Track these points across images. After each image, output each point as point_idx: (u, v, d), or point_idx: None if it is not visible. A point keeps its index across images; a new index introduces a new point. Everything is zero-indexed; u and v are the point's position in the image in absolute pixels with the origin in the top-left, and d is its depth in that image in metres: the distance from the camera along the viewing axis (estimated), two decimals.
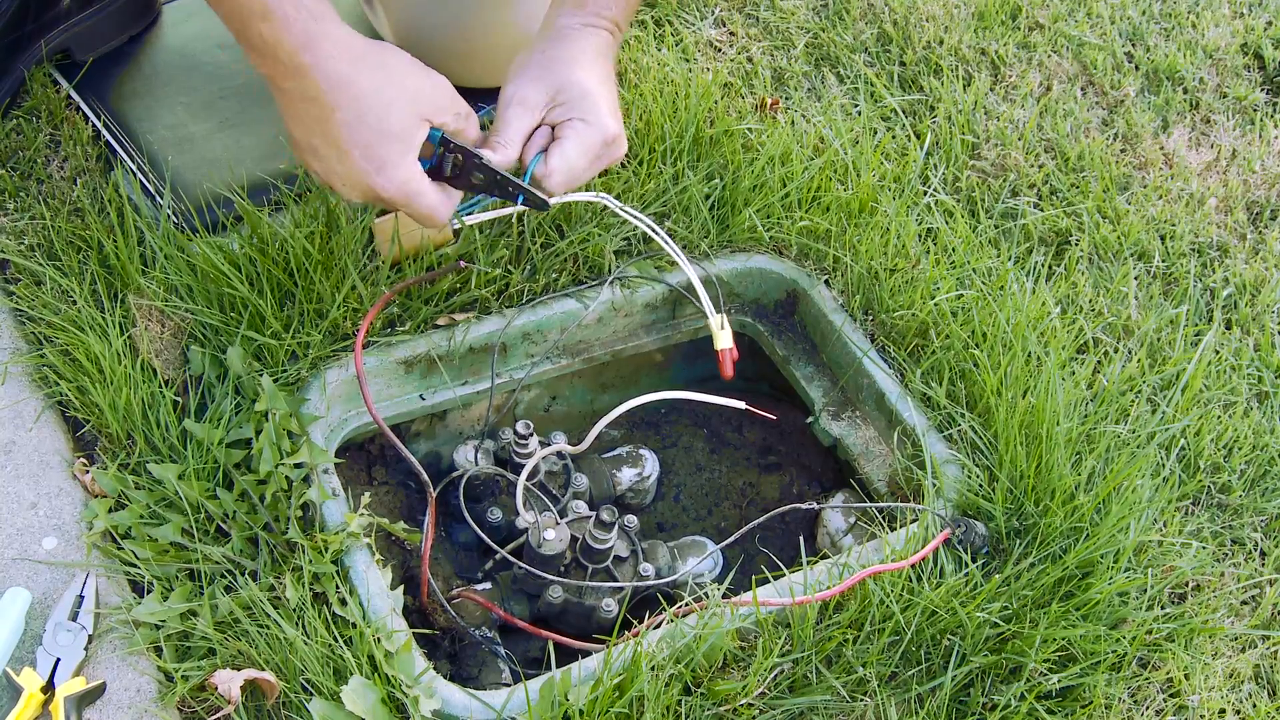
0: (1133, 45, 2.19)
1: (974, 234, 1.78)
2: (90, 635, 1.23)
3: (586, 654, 1.30)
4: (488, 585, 1.45)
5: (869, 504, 1.51)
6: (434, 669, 1.24)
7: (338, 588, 1.27)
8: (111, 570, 1.29)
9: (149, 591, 1.28)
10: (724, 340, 1.56)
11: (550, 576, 1.42)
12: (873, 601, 1.33)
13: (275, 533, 1.32)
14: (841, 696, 1.29)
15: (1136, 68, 2.15)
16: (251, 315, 1.44)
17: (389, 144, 1.23)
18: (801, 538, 1.49)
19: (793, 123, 1.87)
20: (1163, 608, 1.43)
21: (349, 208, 1.50)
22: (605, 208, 1.58)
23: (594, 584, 1.44)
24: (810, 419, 1.63)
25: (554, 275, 1.58)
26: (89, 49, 1.70)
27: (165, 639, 1.25)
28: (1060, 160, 1.95)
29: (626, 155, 1.54)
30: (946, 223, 1.78)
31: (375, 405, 1.44)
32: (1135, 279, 1.79)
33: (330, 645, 1.23)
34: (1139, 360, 1.66)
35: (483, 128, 1.38)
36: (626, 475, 1.64)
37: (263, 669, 1.22)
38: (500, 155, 1.34)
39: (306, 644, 1.23)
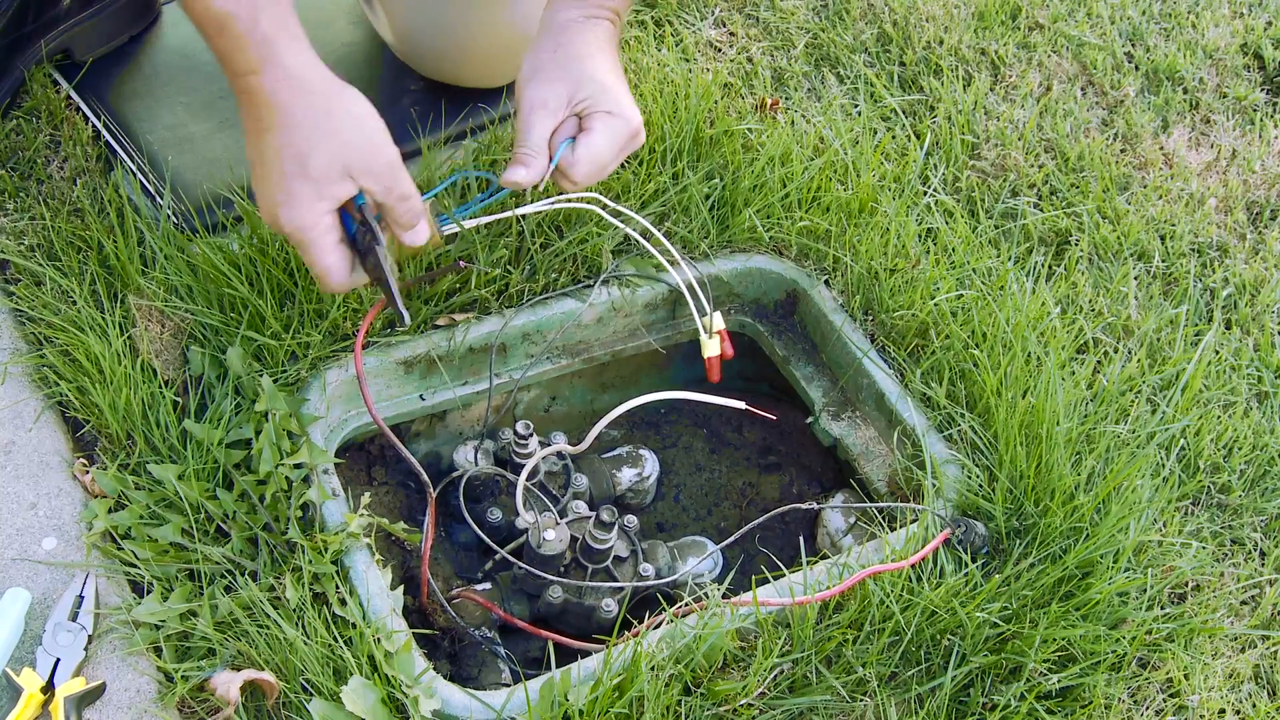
0: (1132, 45, 2.19)
1: (974, 234, 1.78)
2: (90, 635, 1.23)
3: (586, 654, 1.30)
4: (487, 585, 1.45)
5: (869, 504, 1.51)
6: (434, 669, 1.24)
7: (338, 588, 1.27)
8: (111, 570, 1.29)
9: (149, 592, 1.28)
10: (711, 349, 1.57)
11: (550, 577, 1.42)
12: (872, 602, 1.33)
13: (275, 533, 1.32)
14: (841, 696, 1.29)
15: (1136, 68, 2.15)
16: (251, 315, 1.44)
17: (303, 183, 1.19)
18: (801, 538, 1.49)
19: (793, 123, 1.87)
20: (1162, 608, 1.43)
21: None
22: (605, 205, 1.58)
23: (594, 584, 1.44)
24: (810, 419, 1.63)
25: (554, 275, 1.58)
26: (89, 49, 1.70)
27: (165, 639, 1.25)
28: (1060, 160, 1.95)
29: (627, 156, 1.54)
30: (946, 223, 1.78)
31: (375, 405, 1.44)
32: (1135, 279, 1.79)
33: (330, 645, 1.23)
34: (1139, 360, 1.66)
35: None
36: (626, 475, 1.64)
37: (262, 669, 1.22)
38: (529, 171, 1.32)
39: (306, 644, 1.23)
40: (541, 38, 1.39)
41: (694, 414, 1.82)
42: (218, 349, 1.44)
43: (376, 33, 1.78)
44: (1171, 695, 1.39)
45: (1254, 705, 1.41)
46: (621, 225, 1.57)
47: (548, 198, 1.56)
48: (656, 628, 1.29)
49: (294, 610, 1.26)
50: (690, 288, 1.59)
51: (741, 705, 1.27)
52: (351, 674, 1.21)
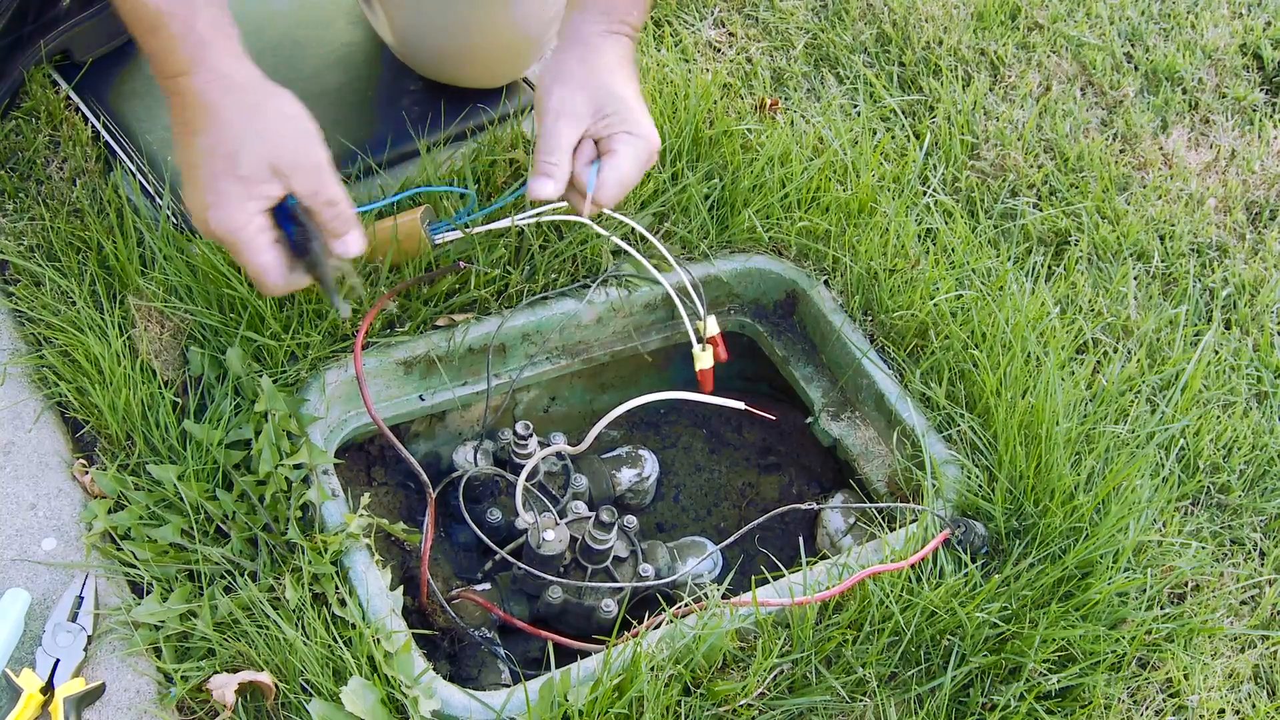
0: (1132, 45, 2.19)
1: (973, 234, 1.78)
2: (89, 636, 1.23)
3: (586, 654, 1.29)
4: (487, 586, 1.45)
5: (868, 504, 1.51)
6: (433, 669, 1.24)
7: (337, 588, 1.27)
8: (111, 571, 1.29)
9: (148, 592, 1.28)
10: (703, 361, 1.57)
11: (550, 577, 1.42)
12: (872, 602, 1.33)
13: (275, 533, 1.32)
14: (841, 697, 1.29)
15: (1136, 68, 2.15)
16: (251, 316, 1.44)
17: (232, 183, 1.18)
18: (801, 538, 1.49)
19: (792, 123, 1.87)
20: (1162, 608, 1.43)
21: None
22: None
23: (593, 584, 1.44)
24: (810, 419, 1.63)
25: (553, 275, 1.58)
26: (88, 50, 1.70)
27: (164, 640, 1.25)
28: (1059, 160, 1.95)
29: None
30: (946, 223, 1.78)
31: (374, 406, 1.44)
32: (1134, 279, 1.79)
33: (330, 646, 1.23)
34: (1138, 360, 1.66)
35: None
36: (626, 476, 1.64)
37: (262, 670, 1.22)
38: (555, 184, 1.31)
39: (306, 645, 1.23)
40: (566, 47, 1.37)
41: (693, 414, 1.82)
42: (217, 349, 1.44)
43: (376, 33, 1.78)
44: (1171, 695, 1.39)
45: (1253, 705, 1.41)
46: (613, 235, 1.57)
47: (541, 207, 1.57)
48: (656, 628, 1.29)
49: (293, 611, 1.26)
50: (683, 293, 1.58)
51: (741, 705, 1.27)
52: (351, 674, 1.21)
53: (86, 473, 1.36)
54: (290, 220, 1.22)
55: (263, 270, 1.22)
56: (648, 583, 1.46)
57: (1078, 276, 1.77)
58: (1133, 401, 1.61)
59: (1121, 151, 2.00)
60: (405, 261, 1.51)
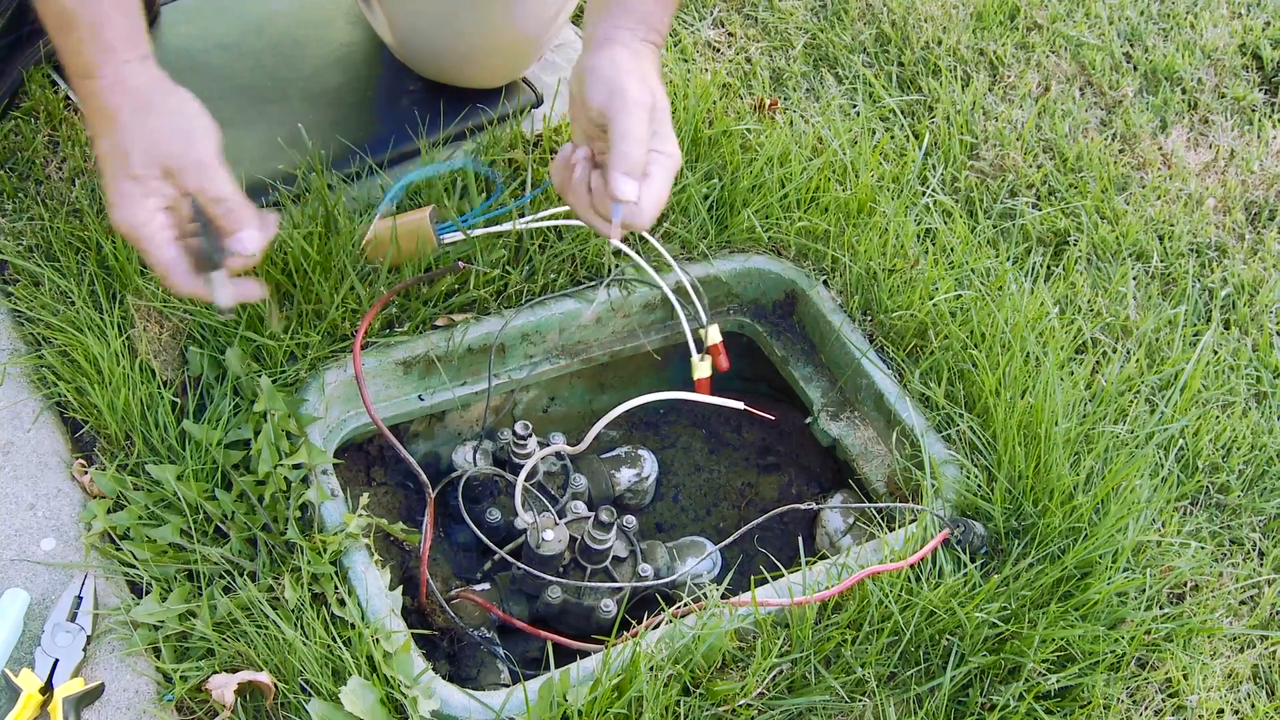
0: (1131, 45, 2.20)
1: (972, 234, 1.78)
2: (89, 636, 1.23)
3: (585, 654, 1.30)
4: (486, 586, 1.45)
5: (868, 504, 1.51)
6: (433, 669, 1.24)
7: (336, 588, 1.27)
8: (110, 571, 1.29)
9: (147, 592, 1.28)
10: (701, 371, 1.57)
11: (549, 577, 1.42)
12: (871, 602, 1.33)
13: (274, 533, 1.32)
14: (840, 697, 1.29)
15: (1135, 68, 2.15)
16: (250, 316, 1.44)
17: (129, 182, 1.20)
18: (800, 538, 1.49)
19: (791, 123, 1.87)
20: (1161, 608, 1.43)
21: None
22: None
23: (593, 584, 1.44)
24: (809, 419, 1.63)
25: (552, 276, 1.58)
26: None
27: (164, 640, 1.25)
28: (1059, 160, 1.95)
29: None
30: (945, 223, 1.78)
31: (374, 406, 1.44)
32: (1134, 279, 1.79)
33: (329, 646, 1.23)
34: (1137, 360, 1.66)
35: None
36: (625, 476, 1.64)
37: (261, 670, 1.22)
38: (636, 182, 1.25)
39: (305, 644, 1.23)
40: (608, 47, 1.33)
41: (693, 414, 1.82)
42: (216, 349, 1.44)
43: (375, 33, 1.78)
44: (1170, 695, 1.39)
45: (1253, 705, 1.41)
46: (616, 244, 1.57)
47: (547, 206, 1.57)
48: (655, 628, 1.29)
49: (293, 611, 1.26)
50: (684, 296, 1.58)
51: (740, 705, 1.27)
52: (350, 674, 1.21)
53: (86, 473, 1.36)
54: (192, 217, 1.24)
55: (166, 267, 1.22)
56: (647, 583, 1.46)
57: (1077, 276, 1.77)
58: (1132, 401, 1.61)
59: (1121, 151, 2.00)
60: (408, 261, 1.51)
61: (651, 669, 1.24)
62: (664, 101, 1.32)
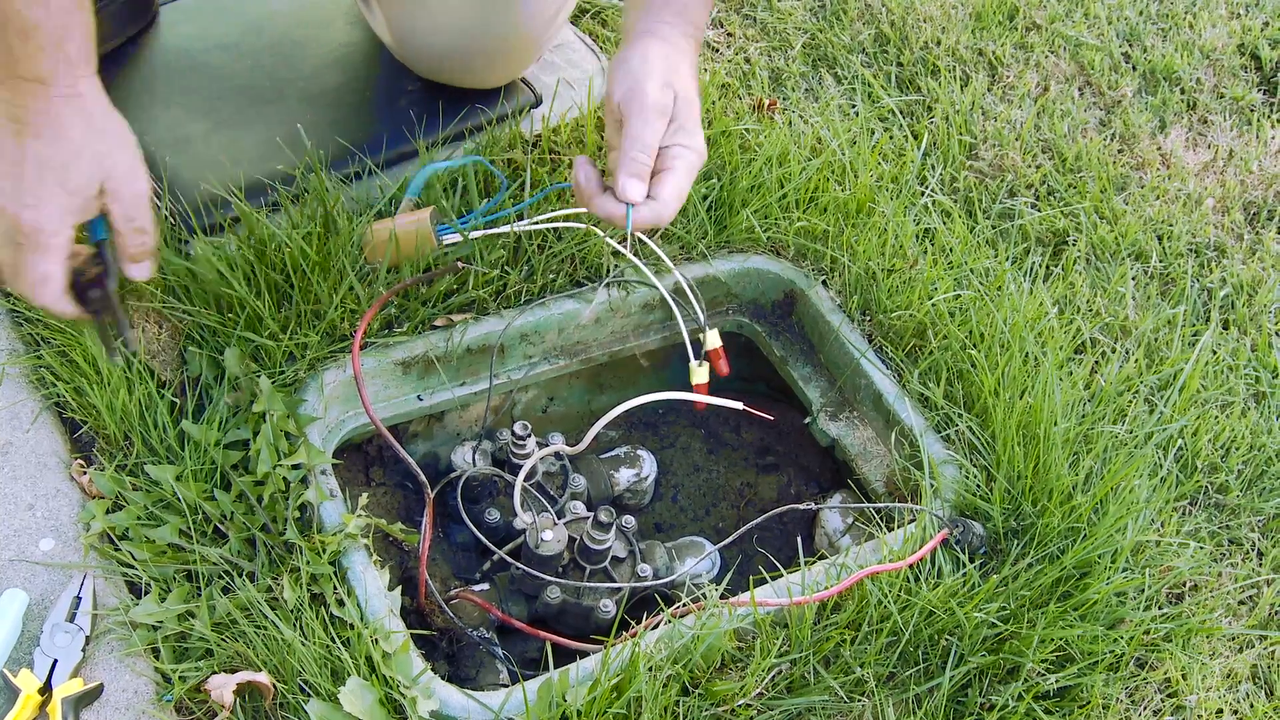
0: (1130, 46, 2.20)
1: (971, 234, 1.78)
2: (88, 636, 1.23)
3: (584, 655, 1.29)
4: (485, 586, 1.45)
5: (867, 504, 1.51)
6: (432, 670, 1.24)
7: (335, 589, 1.27)
8: (109, 571, 1.29)
9: (146, 593, 1.28)
10: (699, 376, 1.57)
11: (548, 577, 1.42)
12: (870, 602, 1.33)
13: (273, 534, 1.32)
14: (839, 697, 1.29)
15: (1134, 68, 2.16)
16: (249, 316, 1.44)
17: (58, 191, 1.22)
18: (799, 538, 1.49)
19: (790, 123, 1.87)
20: (1160, 608, 1.43)
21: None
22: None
23: (592, 584, 1.44)
24: (808, 419, 1.63)
25: (551, 276, 1.58)
26: None
27: (163, 640, 1.25)
28: (1058, 160, 1.95)
29: None
30: (944, 223, 1.78)
31: (373, 406, 1.44)
32: (1133, 279, 1.79)
33: (328, 646, 1.23)
34: (1136, 360, 1.66)
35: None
36: (624, 476, 1.64)
37: (260, 670, 1.22)
38: (643, 184, 1.28)
39: (304, 645, 1.23)
40: (644, 41, 1.34)
41: (692, 414, 1.82)
42: (215, 350, 1.44)
43: (374, 33, 1.78)
44: (1169, 695, 1.39)
45: (1251, 705, 1.41)
46: (610, 239, 1.57)
47: (546, 210, 1.57)
48: (654, 628, 1.29)
49: (292, 611, 1.26)
50: (682, 297, 1.58)
51: (739, 705, 1.27)
52: (349, 674, 1.21)
53: (85, 473, 1.35)
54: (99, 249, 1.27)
55: (45, 279, 1.23)
56: (646, 583, 1.46)
57: (1076, 276, 1.77)
58: (1131, 401, 1.61)
59: (1119, 151, 2.00)
60: (408, 262, 1.51)
61: (650, 669, 1.24)
62: (692, 97, 1.33)
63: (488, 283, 1.54)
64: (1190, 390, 1.64)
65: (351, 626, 1.24)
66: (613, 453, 1.68)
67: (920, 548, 1.37)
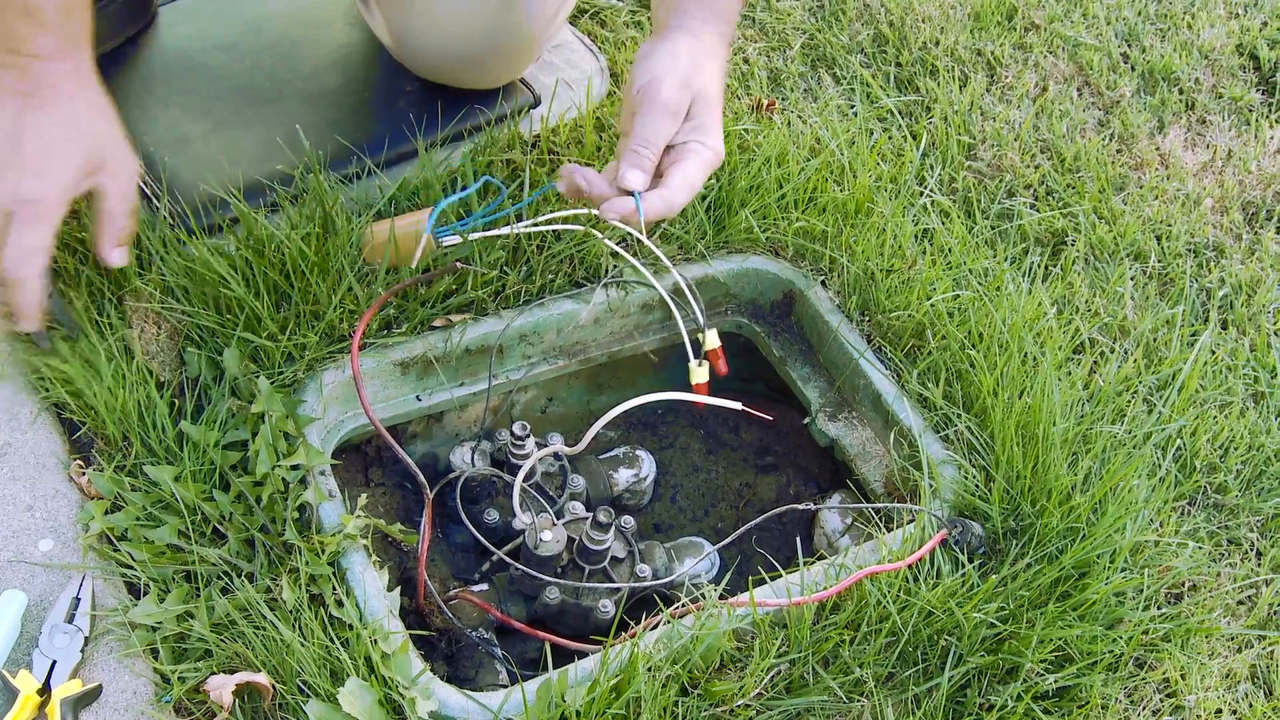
0: (1128, 46, 2.20)
1: (970, 234, 1.78)
2: (86, 637, 1.23)
3: (583, 655, 1.30)
4: (485, 586, 1.45)
5: (866, 504, 1.51)
6: (431, 670, 1.24)
7: (334, 589, 1.27)
8: (108, 572, 1.29)
9: (145, 593, 1.28)
10: (699, 376, 1.57)
11: (547, 578, 1.42)
12: (870, 602, 1.33)
13: (272, 534, 1.32)
14: (838, 697, 1.29)
15: (1132, 68, 2.16)
16: (248, 317, 1.44)
17: (64, 164, 1.24)
18: (798, 538, 1.49)
19: (789, 124, 1.87)
20: (1159, 608, 1.43)
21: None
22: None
23: (591, 585, 1.44)
24: (807, 420, 1.63)
25: (550, 277, 1.58)
26: None
27: (162, 641, 1.25)
28: (1056, 161, 1.95)
29: None
30: (943, 223, 1.78)
31: (372, 407, 1.44)
32: (1131, 279, 1.79)
33: (327, 647, 1.23)
34: (1135, 360, 1.66)
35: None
36: (623, 476, 1.64)
37: (259, 670, 1.22)
38: (645, 175, 1.29)
39: (303, 645, 1.23)
40: (673, 36, 1.35)
41: (691, 415, 1.82)
42: (214, 350, 1.44)
43: (373, 34, 1.78)
44: (1168, 695, 1.39)
45: (1250, 705, 1.41)
46: (608, 239, 1.57)
47: (545, 208, 1.57)
48: (653, 628, 1.29)
49: (291, 612, 1.26)
50: (681, 297, 1.58)
51: (739, 706, 1.27)
52: (348, 675, 1.21)
53: (83, 474, 1.35)
54: None
55: (36, 250, 1.25)
56: (645, 583, 1.46)
57: (1074, 277, 1.77)
58: (1130, 401, 1.61)
59: (1118, 152, 2.00)
60: (406, 263, 1.51)
61: (650, 669, 1.24)
62: (713, 97, 1.33)
63: (487, 283, 1.54)
64: (1189, 390, 1.64)
65: (350, 627, 1.24)
66: (612, 453, 1.68)
67: (919, 548, 1.37)
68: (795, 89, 1.98)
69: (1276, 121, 2.12)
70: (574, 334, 1.60)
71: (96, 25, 1.68)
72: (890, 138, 1.91)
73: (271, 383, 1.40)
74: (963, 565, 1.38)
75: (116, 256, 1.32)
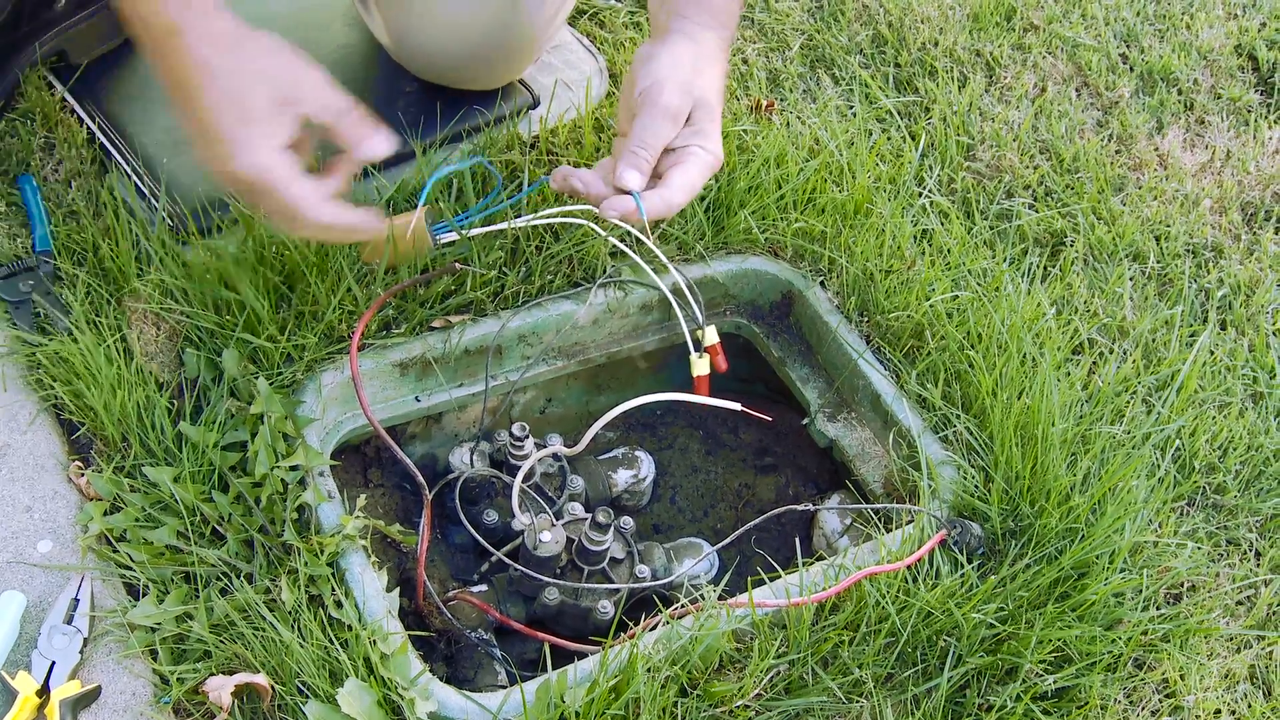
0: (1127, 46, 2.20)
1: (969, 235, 1.78)
2: (85, 638, 1.23)
3: (582, 656, 1.29)
4: (484, 587, 1.45)
5: (865, 505, 1.51)
6: (430, 671, 1.24)
7: (333, 590, 1.27)
8: (107, 573, 1.29)
9: (144, 594, 1.28)
10: (700, 368, 1.57)
11: (546, 578, 1.42)
12: (869, 603, 1.33)
13: (271, 535, 1.32)
14: (838, 698, 1.29)
15: (1131, 69, 2.16)
16: (247, 318, 1.44)
17: (248, 128, 1.20)
18: (797, 539, 1.49)
19: (788, 124, 1.87)
20: (1158, 608, 1.43)
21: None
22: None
23: (590, 586, 1.44)
24: (806, 420, 1.63)
25: (549, 277, 1.58)
26: (84, 52, 1.70)
27: (161, 642, 1.25)
28: (1055, 161, 1.96)
29: None
30: (942, 224, 1.78)
31: (371, 408, 1.44)
32: (1130, 280, 1.79)
33: (326, 647, 1.23)
34: (1134, 361, 1.66)
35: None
36: (622, 477, 1.64)
37: (258, 671, 1.22)
38: (641, 176, 1.30)
39: (302, 646, 1.22)
40: (675, 40, 1.35)
41: (690, 415, 1.82)
42: (213, 351, 1.44)
43: (372, 35, 1.78)
44: (1168, 696, 1.39)
45: (1249, 705, 1.41)
46: (610, 236, 1.57)
47: (544, 206, 1.57)
48: (653, 629, 1.29)
49: (290, 612, 1.25)
50: (680, 297, 1.58)
51: (738, 706, 1.27)
52: (347, 676, 1.21)
53: (82, 475, 1.35)
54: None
55: (301, 200, 1.21)
56: (644, 584, 1.46)
57: (1073, 277, 1.77)
58: (1129, 402, 1.61)
59: (1117, 152, 2.00)
60: (404, 262, 1.51)
61: (649, 670, 1.24)
62: (714, 102, 1.34)
63: (485, 284, 1.54)
64: (1188, 391, 1.64)
65: (350, 628, 1.24)
66: (611, 454, 1.68)
67: (918, 548, 1.37)
68: (794, 90, 1.98)
69: (1275, 122, 2.12)
70: (573, 335, 1.60)
71: (96, 25, 1.70)
72: (889, 138, 1.92)
73: (270, 384, 1.40)
74: (962, 566, 1.38)
75: (371, 148, 1.26)
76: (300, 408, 1.40)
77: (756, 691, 1.28)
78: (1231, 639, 1.45)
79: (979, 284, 1.67)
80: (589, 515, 1.46)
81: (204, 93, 1.19)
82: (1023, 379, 1.53)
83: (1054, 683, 1.32)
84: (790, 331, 1.69)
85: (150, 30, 1.19)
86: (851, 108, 1.97)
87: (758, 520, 1.46)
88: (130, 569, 1.29)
